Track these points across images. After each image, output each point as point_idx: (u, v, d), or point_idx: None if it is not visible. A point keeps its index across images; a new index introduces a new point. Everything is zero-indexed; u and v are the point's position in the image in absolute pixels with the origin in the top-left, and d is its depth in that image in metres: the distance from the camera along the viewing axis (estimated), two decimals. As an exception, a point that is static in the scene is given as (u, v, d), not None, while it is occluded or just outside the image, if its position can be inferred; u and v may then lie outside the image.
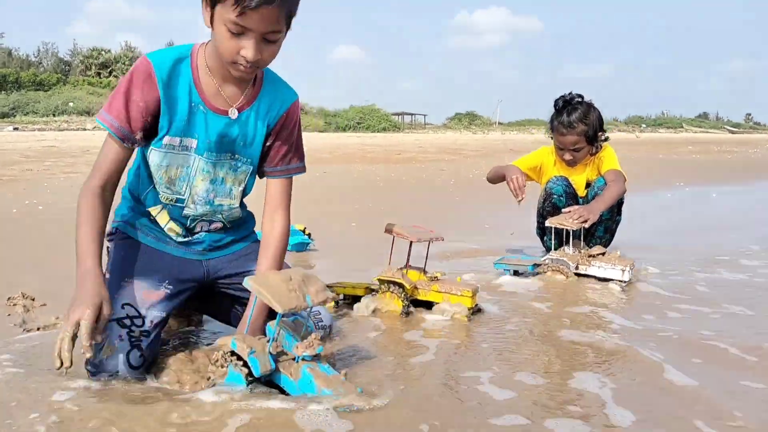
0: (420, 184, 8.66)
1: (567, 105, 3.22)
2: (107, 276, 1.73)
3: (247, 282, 1.54)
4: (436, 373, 1.75)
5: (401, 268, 2.44)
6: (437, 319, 2.28)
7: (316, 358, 1.57)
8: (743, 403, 1.58)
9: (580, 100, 3.24)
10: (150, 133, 1.70)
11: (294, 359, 1.57)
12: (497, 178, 3.33)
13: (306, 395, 1.50)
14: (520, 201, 3.11)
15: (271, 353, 1.56)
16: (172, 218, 1.84)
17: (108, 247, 1.88)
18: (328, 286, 2.45)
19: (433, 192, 7.78)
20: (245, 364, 1.52)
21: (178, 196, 1.80)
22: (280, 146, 1.83)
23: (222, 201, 1.85)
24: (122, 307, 1.65)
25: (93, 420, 1.38)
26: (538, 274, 2.88)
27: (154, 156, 1.73)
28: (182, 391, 1.55)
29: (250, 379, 1.52)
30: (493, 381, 1.69)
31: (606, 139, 3.31)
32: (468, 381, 1.69)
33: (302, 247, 3.68)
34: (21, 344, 1.93)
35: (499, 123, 62.59)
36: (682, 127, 58.80)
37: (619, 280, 2.74)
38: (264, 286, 1.53)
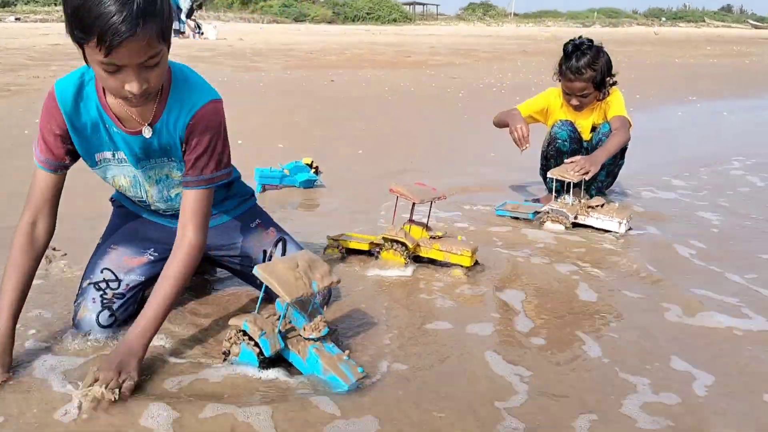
0: (429, 97, 8.57)
1: (576, 50, 3.18)
2: (99, 241, 2.01)
3: (257, 270, 1.66)
4: (438, 343, 1.90)
5: (405, 224, 2.55)
6: (438, 278, 2.41)
7: (322, 338, 1.70)
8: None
9: (589, 44, 3.20)
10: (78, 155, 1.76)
11: (302, 337, 1.71)
12: (502, 124, 3.35)
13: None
14: (522, 150, 3.16)
15: (280, 331, 1.70)
16: (148, 207, 1.99)
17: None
18: (333, 239, 2.60)
19: (442, 107, 7.72)
20: (257, 344, 1.66)
21: (140, 198, 1.93)
22: (191, 154, 1.73)
23: (179, 191, 1.87)
24: (101, 272, 1.88)
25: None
26: (539, 221, 3.00)
27: (98, 173, 1.84)
28: (202, 363, 1.72)
29: (261, 357, 1.67)
30: (499, 351, 1.84)
31: (614, 84, 3.29)
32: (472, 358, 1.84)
33: (310, 183, 3.77)
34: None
35: (515, 14, 60.16)
36: (703, 20, 56.47)
37: (616, 232, 2.85)
38: (272, 274, 1.64)
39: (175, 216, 1.89)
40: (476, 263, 2.49)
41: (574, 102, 3.25)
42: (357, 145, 5.23)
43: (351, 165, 4.50)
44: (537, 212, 3.07)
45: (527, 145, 3.11)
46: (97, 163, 1.79)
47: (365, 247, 2.57)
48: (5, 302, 1.61)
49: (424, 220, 2.59)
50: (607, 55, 3.24)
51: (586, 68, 3.15)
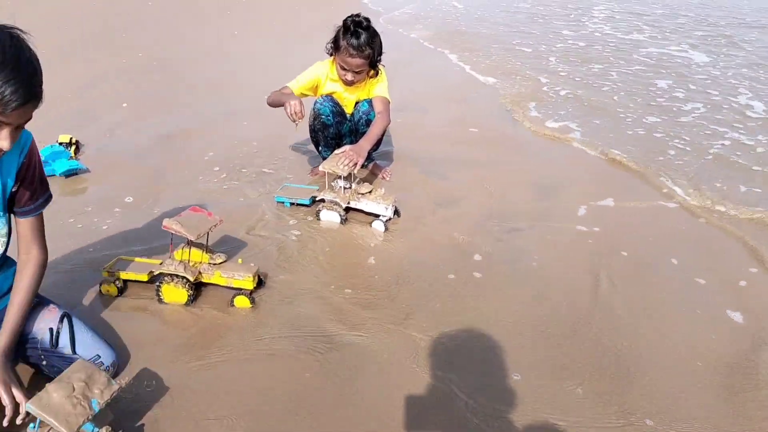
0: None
1: (357, 26, 3.21)
2: None
3: (30, 407, 1.62)
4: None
5: (182, 247, 2.55)
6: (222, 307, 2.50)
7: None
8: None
9: (367, 23, 3.24)
10: None
11: None
12: (276, 104, 3.34)
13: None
14: (297, 126, 3.21)
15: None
16: None
17: None
18: (109, 272, 2.53)
19: (228, 16, 7.21)
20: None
21: None
22: (26, 188, 1.89)
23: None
24: None
25: None
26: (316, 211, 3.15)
27: None
28: None
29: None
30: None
31: (380, 63, 3.41)
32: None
33: (72, 172, 3.48)
34: None
35: None
36: None
37: (383, 215, 3.11)
38: (47, 409, 1.62)
39: None
40: (260, 282, 2.61)
41: (349, 77, 3.31)
42: (120, 96, 4.82)
43: (115, 129, 4.17)
44: (314, 197, 3.22)
45: (300, 119, 3.15)
46: None
47: (144, 278, 2.54)
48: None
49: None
50: (379, 36, 3.32)
51: (365, 46, 3.21)
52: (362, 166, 3.65)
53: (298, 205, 3.26)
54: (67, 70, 5.18)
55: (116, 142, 3.97)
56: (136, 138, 4.02)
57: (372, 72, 3.39)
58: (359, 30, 3.22)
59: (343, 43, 3.24)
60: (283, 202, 3.27)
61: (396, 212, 3.19)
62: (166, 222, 2.46)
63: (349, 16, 3.27)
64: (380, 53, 3.35)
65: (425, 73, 6.01)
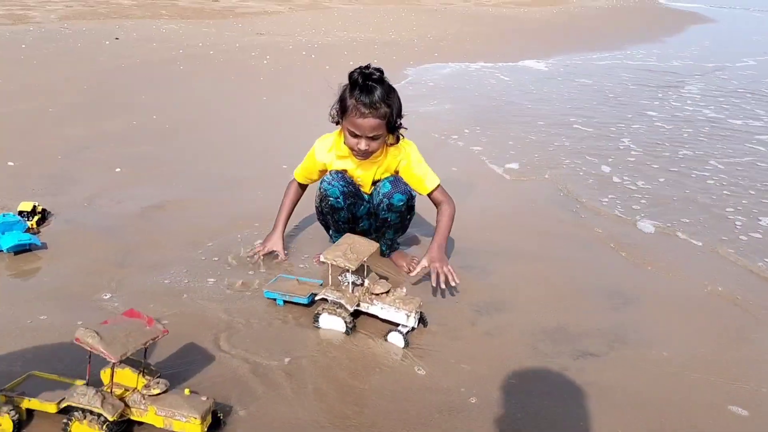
0: (228, 64, 7.53)
1: (367, 80, 2.50)
2: None
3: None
4: None
5: (108, 368, 1.79)
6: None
7: None
8: None
9: (379, 75, 2.53)
10: None
11: None
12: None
13: None
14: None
15: None
16: None
17: None
18: (6, 395, 1.80)
19: (242, 81, 6.76)
20: None
21: None
22: None
23: None
24: None
25: None
26: (316, 309, 2.36)
27: None
28: None
29: None
30: None
31: (401, 127, 2.69)
32: None
33: (21, 247, 2.80)
34: None
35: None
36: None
37: (404, 325, 2.29)
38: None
39: None
40: (216, 423, 1.81)
41: (362, 146, 2.57)
42: (120, 155, 4.22)
43: (96, 197, 3.51)
44: (314, 294, 2.44)
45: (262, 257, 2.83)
46: None
47: (52, 409, 1.78)
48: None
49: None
50: (397, 91, 2.61)
51: (380, 102, 2.50)
52: (382, 254, 2.89)
53: (292, 303, 2.49)
54: (59, 130, 4.67)
55: (93, 212, 3.30)
56: (118, 208, 3.36)
57: (391, 139, 2.67)
58: (371, 83, 2.51)
59: (351, 102, 2.52)
60: (274, 299, 2.50)
61: (422, 320, 2.38)
62: (79, 334, 1.72)
63: (356, 69, 2.57)
64: (400, 114, 2.62)
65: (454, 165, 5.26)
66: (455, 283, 2.54)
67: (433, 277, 2.55)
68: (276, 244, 2.85)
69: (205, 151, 4.47)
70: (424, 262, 2.63)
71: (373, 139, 2.57)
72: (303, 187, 2.94)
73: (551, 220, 3.58)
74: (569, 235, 3.37)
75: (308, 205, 3.00)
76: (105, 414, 1.69)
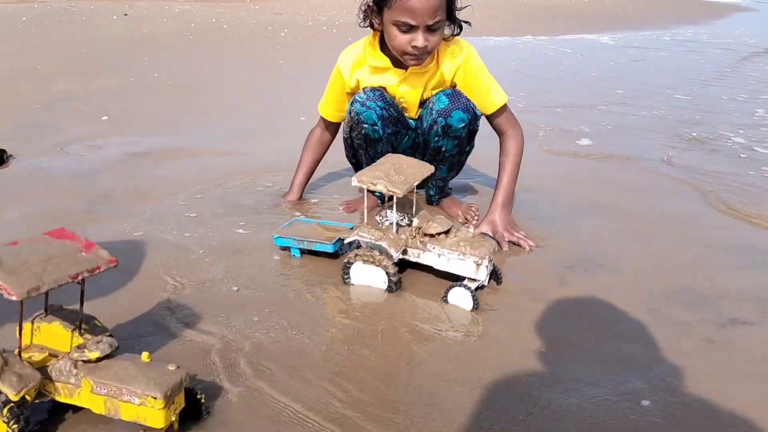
0: (242, 38, 6.91)
1: None
2: None
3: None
4: None
5: (34, 318, 1.13)
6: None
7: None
8: None
9: None
10: None
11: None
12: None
13: None
14: None
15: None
16: None
17: None
18: None
19: (254, 53, 6.12)
20: None
21: None
22: None
23: None
24: None
25: None
26: (343, 267, 1.66)
27: None
28: None
29: None
30: None
31: (460, 25, 2.00)
32: None
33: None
34: None
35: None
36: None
37: (471, 279, 1.60)
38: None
39: None
40: (197, 406, 1.13)
41: (420, 41, 1.87)
42: (109, 107, 3.60)
43: (73, 143, 2.89)
44: (341, 240, 1.75)
45: None
46: None
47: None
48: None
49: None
50: None
51: None
52: (429, 201, 2.22)
53: (313, 253, 1.80)
54: (44, 85, 4.06)
55: (66, 157, 2.68)
56: (97, 154, 2.73)
57: (449, 35, 1.98)
58: None
59: None
60: (288, 248, 1.82)
61: (495, 275, 1.69)
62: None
63: None
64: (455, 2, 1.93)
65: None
66: (530, 248, 1.89)
67: (478, 231, 1.88)
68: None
69: (212, 106, 3.82)
70: (485, 228, 1.96)
71: (432, 30, 1.88)
72: (332, 132, 2.26)
73: (637, 174, 2.87)
74: (662, 188, 2.66)
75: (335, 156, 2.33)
76: (4, 391, 1.03)
